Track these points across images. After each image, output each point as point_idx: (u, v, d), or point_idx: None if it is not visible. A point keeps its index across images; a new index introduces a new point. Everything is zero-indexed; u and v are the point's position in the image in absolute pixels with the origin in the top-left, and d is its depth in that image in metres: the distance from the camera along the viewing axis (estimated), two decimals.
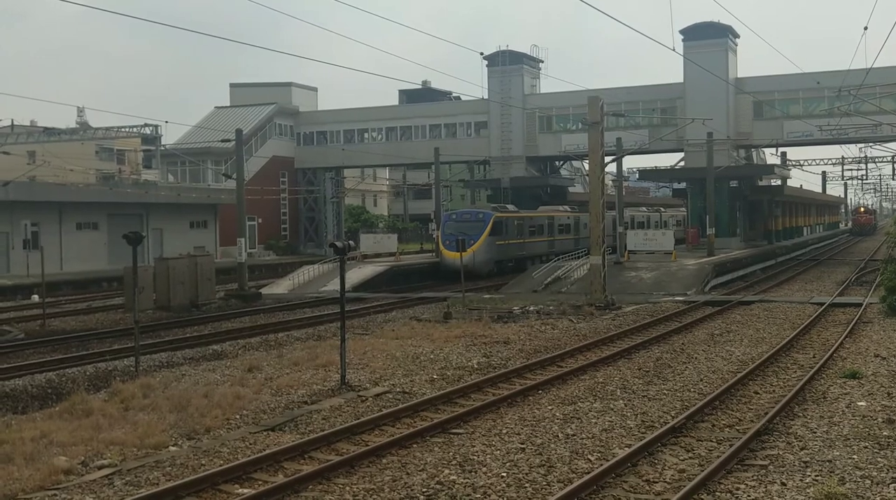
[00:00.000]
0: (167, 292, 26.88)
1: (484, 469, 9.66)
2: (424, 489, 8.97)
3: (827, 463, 9.63)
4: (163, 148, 52.88)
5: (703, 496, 8.62)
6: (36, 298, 31.09)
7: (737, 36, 48.00)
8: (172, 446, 10.90)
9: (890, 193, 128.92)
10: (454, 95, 60.25)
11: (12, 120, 48.10)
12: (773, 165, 54.78)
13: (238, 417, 12.32)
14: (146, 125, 49.69)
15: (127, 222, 42.44)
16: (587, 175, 37.44)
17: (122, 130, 50.70)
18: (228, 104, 61.72)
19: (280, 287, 35.14)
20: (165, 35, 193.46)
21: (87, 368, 16.92)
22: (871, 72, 32.53)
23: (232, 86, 62.71)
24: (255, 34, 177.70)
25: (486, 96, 51.80)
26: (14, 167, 45.23)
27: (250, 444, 10.93)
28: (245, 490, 9.03)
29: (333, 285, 30.25)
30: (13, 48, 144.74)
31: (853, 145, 56.37)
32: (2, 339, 21.89)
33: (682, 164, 48.69)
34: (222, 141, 41.50)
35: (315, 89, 62.85)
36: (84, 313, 28.26)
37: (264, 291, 33.75)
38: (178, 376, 15.55)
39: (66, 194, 42.87)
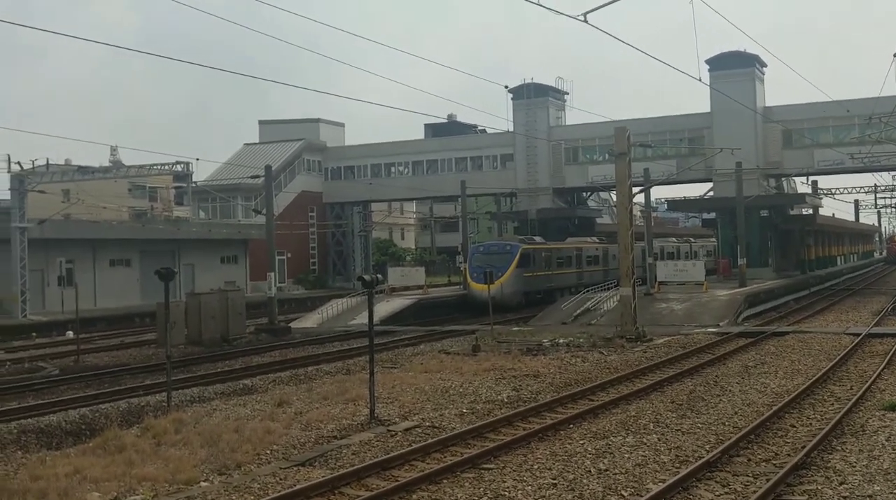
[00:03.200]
0: (199, 327, 27.14)
1: None
2: None
3: (867, 498, 9.37)
4: (194, 185, 53.60)
5: None
6: (70, 334, 31.53)
7: (764, 65, 47.86)
8: (204, 481, 10.92)
9: None
10: (480, 128, 60.60)
11: (47, 159, 49.11)
12: (804, 194, 54.17)
13: (268, 452, 12.33)
14: (177, 163, 50.47)
15: (159, 258, 43.04)
16: (615, 206, 37.34)
17: (154, 167, 51.61)
18: (258, 141, 62.68)
19: (309, 321, 35.30)
20: (195, 74, 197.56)
21: (120, 403, 17.07)
22: None
23: (261, 123, 63.70)
24: (283, 72, 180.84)
25: (511, 129, 52.04)
26: (49, 205, 46.12)
27: (280, 479, 10.92)
28: None
29: (362, 319, 30.31)
30: (44, 87, 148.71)
31: (886, 173, 55.61)
32: (37, 375, 22.20)
33: (710, 194, 48.35)
34: (252, 177, 42.06)
35: (342, 125, 63.60)
36: (117, 348, 28.58)
37: (294, 325, 33.92)
38: (210, 411, 15.62)
39: (100, 232, 43.65)
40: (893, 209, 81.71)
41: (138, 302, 42.52)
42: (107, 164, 59.09)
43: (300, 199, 57.81)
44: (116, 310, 40.10)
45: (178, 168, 51.24)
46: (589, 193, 57.30)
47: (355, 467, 11.21)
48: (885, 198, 68.74)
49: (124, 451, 12.27)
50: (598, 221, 58.68)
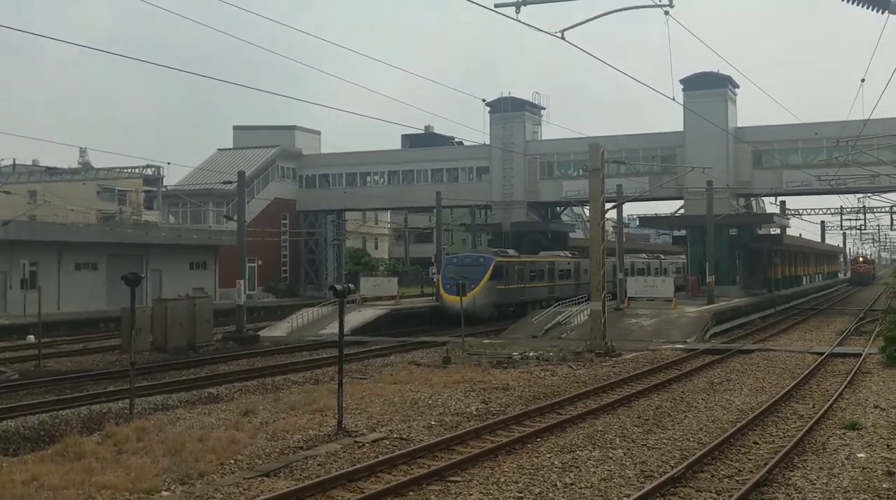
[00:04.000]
0: (164, 334, 26.75)
1: None
2: None
3: None
4: (164, 189, 53.13)
5: None
6: (32, 338, 30.93)
7: (736, 86, 48.61)
8: (165, 491, 10.75)
9: (888, 243, 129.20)
10: (456, 140, 60.82)
11: (14, 159, 48.38)
12: (772, 214, 55.04)
13: (232, 461, 12.17)
14: (148, 166, 49.99)
15: (126, 263, 42.44)
16: (588, 221, 37.59)
17: (125, 170, 51.02)
18: (232, 146, 62.24)
19: (278, 330, 35.01)
20: (169, 76, 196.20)
21: (81, 410, 16.72)
22: (869, 123, 32.88)
23: (235, 128, 63.29)
24: (259, 77, 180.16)
25: (488, 142, 52.28)
26: (14, 206, 45.38)
27: (244, 490, 10.78)
28: None
29: (332, 328, 30.14)
30: (17, 88, 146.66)
31: (852, 195, 56.68)
32: None
33: (682, 211, 48.91)
34: (224, 183, 41.75)
35: (318, 133, 63.42)
36: (80, 354, 28.07)
37: (262, 333, 33.61)
38: (173, 419, 15.40)
39: (66, 234, 42.92)
40: (858, 231, 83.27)
41: (104, 307, 41.83)
42: (76, 166, 58.37)
43: (273, 206, 57.43)
44: (81, 314, 39.40)
45: (149, 172, 50.78)
46: (563, 208, 57.67)
47: (321, 478, 11.10)
48: (850, 220, 69.94)
49: (84, 458, 12.04)
50: (571, 235, 59.07)
